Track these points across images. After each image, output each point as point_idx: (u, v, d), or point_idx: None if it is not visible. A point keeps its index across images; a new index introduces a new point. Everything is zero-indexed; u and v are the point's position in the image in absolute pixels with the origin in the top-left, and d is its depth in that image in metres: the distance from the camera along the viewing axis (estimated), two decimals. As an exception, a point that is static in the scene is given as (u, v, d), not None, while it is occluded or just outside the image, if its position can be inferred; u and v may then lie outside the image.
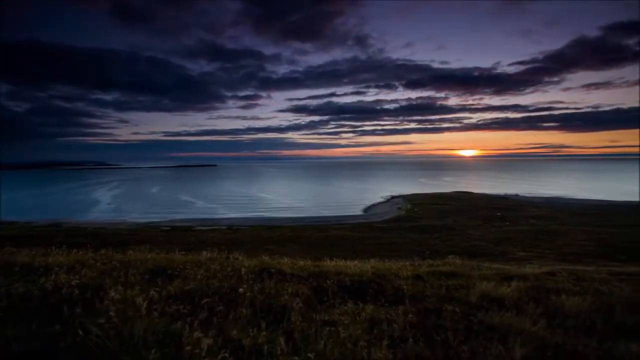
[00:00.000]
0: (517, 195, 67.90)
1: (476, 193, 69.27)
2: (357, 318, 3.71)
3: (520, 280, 6.12)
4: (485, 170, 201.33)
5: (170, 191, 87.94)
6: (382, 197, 68.09)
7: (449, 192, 70.66)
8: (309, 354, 2.61)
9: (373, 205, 58.64)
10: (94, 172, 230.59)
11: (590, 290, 5.65)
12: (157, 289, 3.63)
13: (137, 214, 50.28)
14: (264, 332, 2.93)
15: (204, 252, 6.85)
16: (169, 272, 4.84)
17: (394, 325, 3.50)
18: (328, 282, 5.13)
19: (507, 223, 38.30)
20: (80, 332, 2.49)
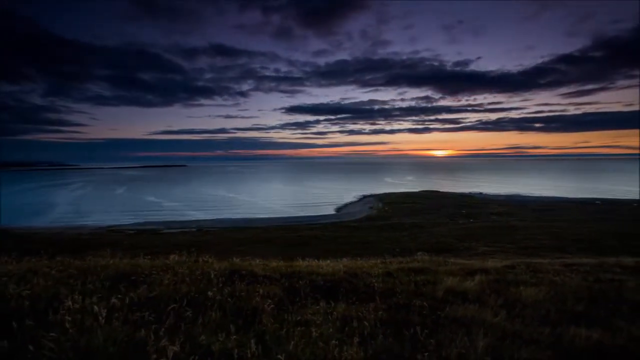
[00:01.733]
0: (480, 193, 71.53)
1: (443, 192, 72.16)
2: (329, 317, 3.73)
3: (483, 274, 6.44)
4: (454, 170, 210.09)
5: (136, 192, 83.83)
6: (354, 197, 69.05)
7: (418, 191, 73.05)
8: (279, 356, 2.59)
9: (345, 205, 59.33)
10: (50, 173, 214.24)
11: (545, 281, 6.07)
12: (120, 296, 3.45)
13: (99, 218, 47.44)
14: (234, 336, 2.87)
15: (172, 256, 6.59)
16: (133, 278, 4.62)
17: (365, 322, 3.56)
18: (300, 282, 5.12)
19: (472, 220, 40.24)
20: (31, 347, 2.31)
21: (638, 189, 69.52)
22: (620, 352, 3.22)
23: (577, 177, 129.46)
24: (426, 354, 2.93)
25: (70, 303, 3.11)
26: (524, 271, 7.23)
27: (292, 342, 2.88)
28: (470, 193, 71.38)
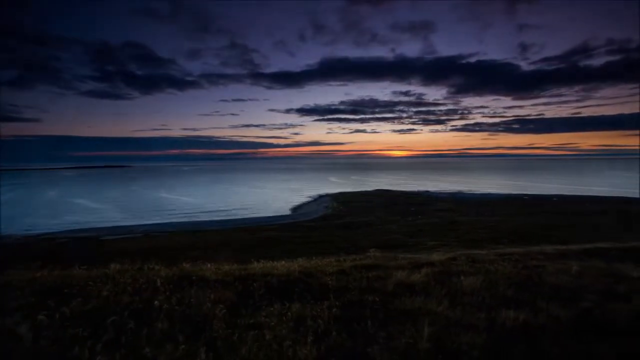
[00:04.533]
0: (428, 191, 76.22)
1: (394, 190, 75.62)
2: (284, 318, 3.72)
3: (429, 267, 6.88)
4: (407, 170, 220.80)
5: (70, 195, 75.65)
6: (309, 197, 69.47)
7: (371, 190, 75.70)
8: (231, 362, 2.53)
9: (301, 205, 59.45)
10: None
11: (482, 271, 6.65)
12: (48, 313, 3.10)
13: (23, 225, 41.97)
14: (183, 346, 2.74)
15: (112, 265, 6.07)
16: (66, 291, 4.18)
17: (319, 320, 3.61)
18: (255, 284, 5.03)
19: (420, 217, 42.72)
20: None
21: (561, 186, 79.28)
22: (541, 329, 3.66)
23: (514, 175, 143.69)
24: (376, 346, 3.06)
25: (-15, 324, 2.73)
26: (464, 262, 7.85)
27: (245, 347, 2.83)
28: (418, 191, 75.70)
